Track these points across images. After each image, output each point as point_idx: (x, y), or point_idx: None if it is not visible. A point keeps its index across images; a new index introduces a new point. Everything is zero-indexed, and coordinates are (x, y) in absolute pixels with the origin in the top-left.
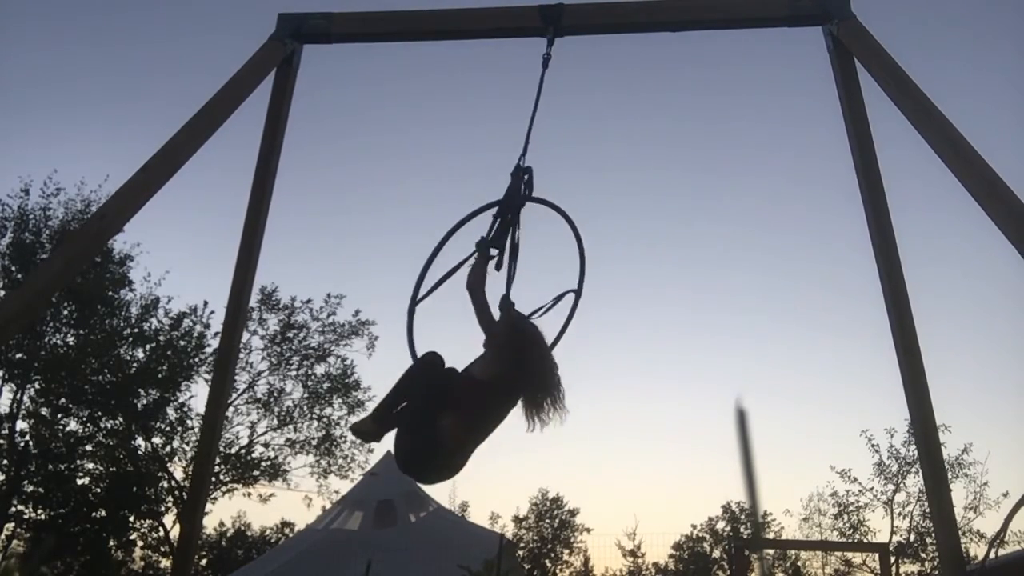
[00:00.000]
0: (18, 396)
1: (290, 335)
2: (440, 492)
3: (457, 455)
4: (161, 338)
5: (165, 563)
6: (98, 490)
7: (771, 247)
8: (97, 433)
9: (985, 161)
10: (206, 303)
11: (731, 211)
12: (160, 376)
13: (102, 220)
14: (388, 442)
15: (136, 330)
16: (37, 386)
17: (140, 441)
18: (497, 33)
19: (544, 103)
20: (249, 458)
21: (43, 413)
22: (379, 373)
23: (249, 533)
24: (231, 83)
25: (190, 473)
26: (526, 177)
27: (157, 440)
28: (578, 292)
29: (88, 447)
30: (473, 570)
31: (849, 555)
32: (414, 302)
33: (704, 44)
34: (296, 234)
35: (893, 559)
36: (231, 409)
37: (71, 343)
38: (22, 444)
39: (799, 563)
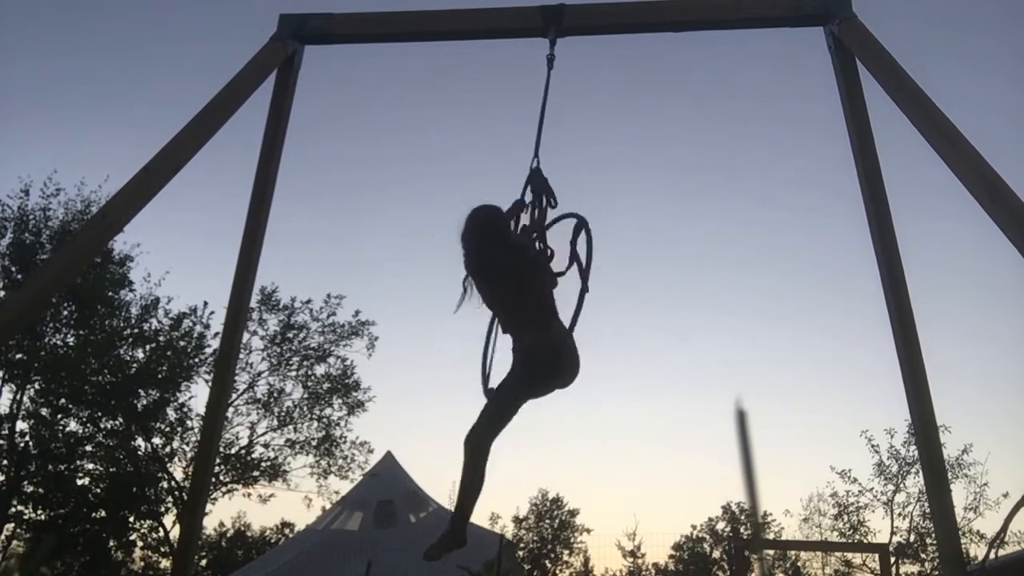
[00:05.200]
0: (18, 396)
1: (290, 335)
2: (440, 492)
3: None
4: (161, 338)
5: (165, 563)
6: (98, 490)
7: (772, 248)
8: (97, 433)
9: (986, 161)
10: (206, 303)
11: (731, 212)
12: (160, 376)
13: (103, 220)
14: (389, 443)
15: (136, 330)
16: (37, 386)
17: (140, 441)
18: (498, 34)
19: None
20: (249, 458)
21: (43, 413)
22: (379, 373)
23: (249, 533)
24: (232, 84)
25: (190, 473)
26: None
27: (157, 440)
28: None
29: (88, 447)
30: (473, 570)
31: (849, 556)
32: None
33: (705, 44)
34: (297, 234)
35: (893, 559)
36: (231, 409)
37: (71, 343)
38: (22, 444)
39: (799, 564)
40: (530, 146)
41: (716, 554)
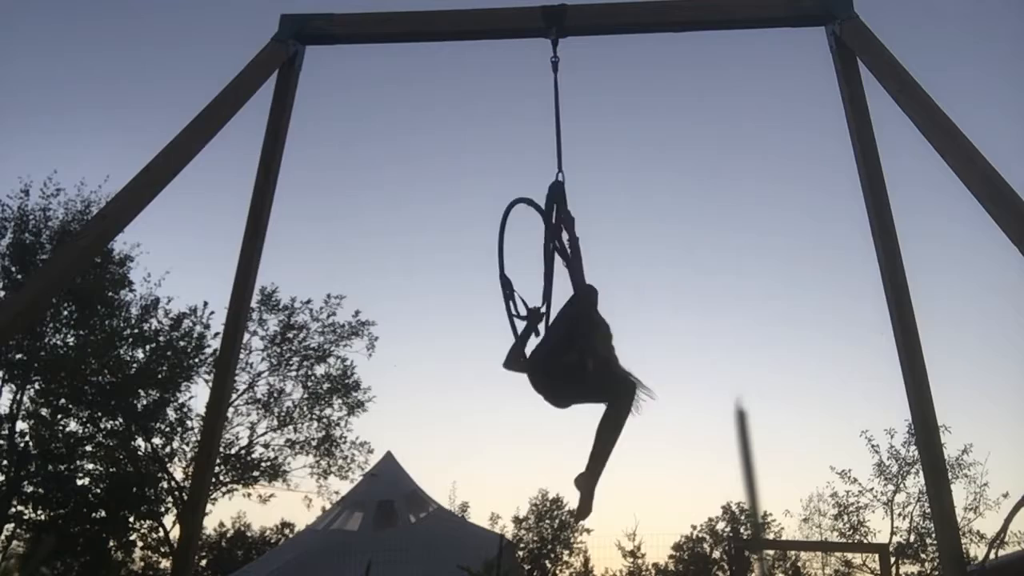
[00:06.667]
0: (18, 396)
1: (290, 336)
2: (440, 492)
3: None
4: (161, 339)
5: (165, 564)
6: (98, 491)
7: (772, 247)
8: (97, 434)
9: (988, 161)
10: (206, 303)
11: (731, 212)
12: (160, 377)
13: (103, 221)
14: (389, 443)
15: (136, 331)
16: (37, 386)
17: (140, 442)
18: (500, 34)
19: (544, 103)
20: (249, 459)
21: (43, 413)
22: (379, 373)
23: (249, 534)
24: (233, 84)
25: (190, 474)
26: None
27: (157, 441)
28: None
29: (88, 448)
30: (473, 570)
31: (849, 556)
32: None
33: (706, 44)
34: (297, 234)
35: (893, 560)
36: (231, 409)
37: (71, 343)
38: (22, 444)
39: (799, 564)
40: (531, 145)
41: (716, 554)
